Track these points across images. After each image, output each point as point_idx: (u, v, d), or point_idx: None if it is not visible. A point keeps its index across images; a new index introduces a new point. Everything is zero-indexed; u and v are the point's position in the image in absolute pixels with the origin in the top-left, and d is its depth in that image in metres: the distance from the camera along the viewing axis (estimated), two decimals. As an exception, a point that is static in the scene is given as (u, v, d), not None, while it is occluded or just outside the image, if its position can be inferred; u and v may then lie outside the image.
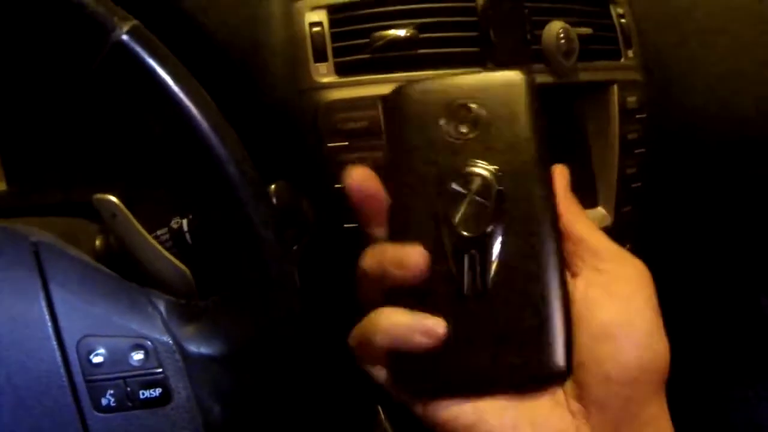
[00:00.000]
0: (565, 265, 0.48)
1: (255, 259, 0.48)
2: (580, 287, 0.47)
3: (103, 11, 0.46)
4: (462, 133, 0.49)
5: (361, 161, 0.71)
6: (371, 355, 0.49)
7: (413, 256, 0.47)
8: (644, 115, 0.87)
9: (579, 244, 0.47)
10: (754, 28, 0.92)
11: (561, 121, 0.85)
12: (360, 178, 0.50)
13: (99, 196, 0.55)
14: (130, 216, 0.54)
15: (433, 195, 0.49)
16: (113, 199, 0.54)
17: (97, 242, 0.63)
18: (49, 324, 0.45)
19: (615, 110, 0.84)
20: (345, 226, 0.73)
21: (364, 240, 0.51)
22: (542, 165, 0.49)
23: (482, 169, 0.48)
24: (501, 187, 0.48)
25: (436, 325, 0.47)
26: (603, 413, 0.44)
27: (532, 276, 0.47)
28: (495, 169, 0.48)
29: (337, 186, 0.72)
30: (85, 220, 0.67)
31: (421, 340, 0.46)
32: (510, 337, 0.47)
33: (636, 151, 0.86)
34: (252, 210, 0.47)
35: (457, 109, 0.50)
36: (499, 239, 0.48)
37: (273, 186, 0.60)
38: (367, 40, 0.73)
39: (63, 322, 0.45)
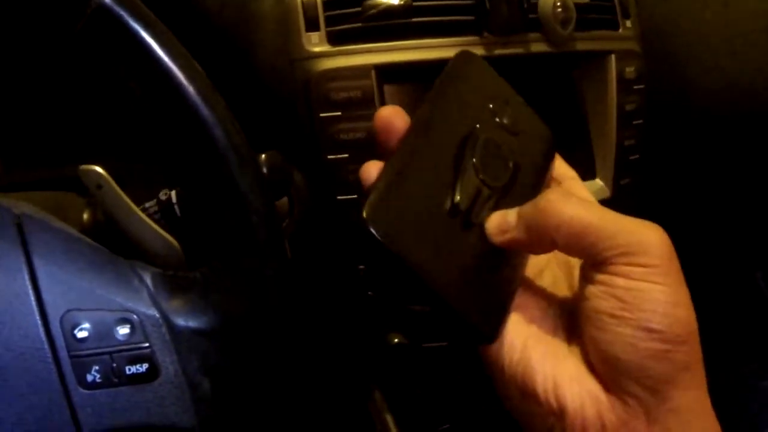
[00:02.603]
0: None
1: (244, 228, 0.47)
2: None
3: (84, -26, 0.45)
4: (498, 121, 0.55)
5: (353, 131, 0.70)
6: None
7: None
8: (642, 86, 0.86)
9: (593, 234, 0.45)
10: (753, 1, 0.91)
11: (558, 91, 0.83)
12: (389, 112, 0.51)
13: (84, 167, 0.53)
14: (116, 187, 0.53)
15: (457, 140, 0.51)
16: (99, 169, 0.53)
17: (85, 215, 0.61)
18: (33, 298, 0.44)
19: (613, 80, 0.83)
20: (338, 197, 0.72)
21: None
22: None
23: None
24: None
25: None
26: (629, 398, 0.43)
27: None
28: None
29: (329, 157, 0.71)
30: (74, 193, 0.66)
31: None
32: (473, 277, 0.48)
33: (634, 123, 0.85)
34: (239, 175, 0.46)
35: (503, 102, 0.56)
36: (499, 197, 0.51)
37: (263, 155, 0.59)
38: (359, 9, 0.71)
39: (46, 296, 0.44)
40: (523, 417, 0.48)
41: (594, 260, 0.45)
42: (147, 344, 0.45)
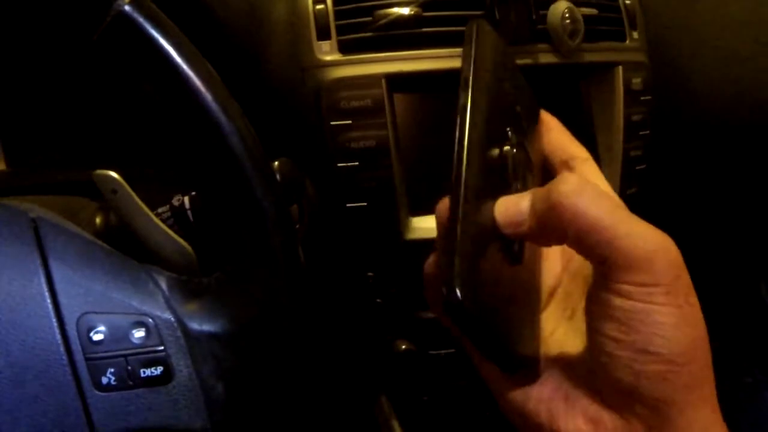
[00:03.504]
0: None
1: (258, 233, 0.48)
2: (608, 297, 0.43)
3: (105, -18, 0.46)
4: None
5: (363, 140, 0.71)
6: None
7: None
8: (649, 97, 0.86)
9: (600, 233, 0.42)
10: (759, 11, 0.91)
11: (566, 102, 0.84)
12: None
13: (99, 171, 0.54)
14: (131, 191, 0.54)
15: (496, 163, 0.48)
16: (114, 174, 0.54)
17: (98, 219, 0.62)
18: (49, 301, 0.44)
19: (620, 91, 0.83)
20: (347, 205, 0.73)
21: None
22: None
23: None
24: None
25: None
26: (632, 418, 0.42)
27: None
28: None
29: (340, 165, 0.71)
30: (86, 198, 0.66)
31: None
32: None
33: (641, 133, 0.85)
34: (255, 182, 0.47)
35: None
36: None
37: (276, 163, 0.60)
38: (370, 18, 0.72)
39: (63, 299, 0.45)
40: (524, 430, 0.47)
41: (598, 260, 0.42)
42: (162, 347, 0.46)
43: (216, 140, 0.46)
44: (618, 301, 0.41)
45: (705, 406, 0.42)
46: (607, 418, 0.43)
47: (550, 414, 0.45)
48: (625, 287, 0.41)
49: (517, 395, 0.46)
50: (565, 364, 0.47)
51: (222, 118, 0.46)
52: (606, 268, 0.42)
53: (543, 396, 0.46)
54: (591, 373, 0.44)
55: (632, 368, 0.41)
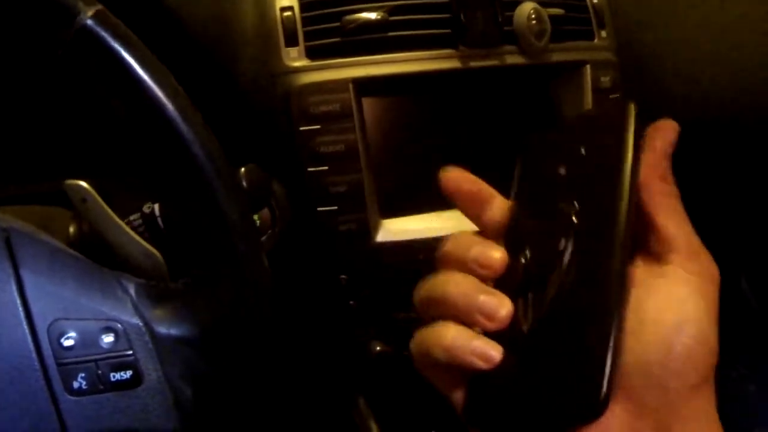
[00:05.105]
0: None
1: (222, 240, 0.48)
2: (640, 274, 0.45)
3: (68, -4, 0.46)
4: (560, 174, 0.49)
5: (333, 144, 0.72)
6: (428, 364, 0.48)
7: (495, 256, 0.47)
8: (618, 95, 0.87)
9: (657, 232, 0.46)
10: (727, 11, 0.92)
11: (536, 102, 0.85)
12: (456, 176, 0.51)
13: (70, 181, 0.55)
14: (100, 200, 0.54)
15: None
16: (83, 184, 0.55)
17: (71, 229, 0.63)
18: (21, 308, 0.45)
19: (588, 90, 0.84)
20: (318, 209, 0.73)
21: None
22: (623, 197, 0.46)
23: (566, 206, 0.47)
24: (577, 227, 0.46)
25: (492, 350, 0.45)
26: (642, 405, 0.43)
27: (587, 312, 0.44)
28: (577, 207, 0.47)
29: (310, 169, 0.72)
30: (61, 208, 0.67)
31: (475, 361, 0.45)
32: (558, 375, 0.44)
33: (610, 132, 0.86)
34: (218, 191, 0.47)
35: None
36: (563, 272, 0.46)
37: (243, 169, 0.61)
38: (338, 24, 0.73)
39: (34, 307, 0.46)
40: None
41: None
42: (131, 352, 0.47)
43: (178, 150, 0.47)
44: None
45: (710, 402, 0.44)
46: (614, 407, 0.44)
47: None
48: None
49: None
50: None
51: (184, 128, 0.46)
52: None
53: None
54: None
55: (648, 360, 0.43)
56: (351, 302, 0.77)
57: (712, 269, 0.46)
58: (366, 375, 0.83)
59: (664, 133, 0.50)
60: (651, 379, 0.43)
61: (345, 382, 0.85)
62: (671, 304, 0.44)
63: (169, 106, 0.46)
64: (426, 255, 0.74)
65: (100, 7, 0.47)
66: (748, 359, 1.21)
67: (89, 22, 0.46)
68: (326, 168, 0.73)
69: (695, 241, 0.46)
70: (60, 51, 0.46)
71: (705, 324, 0.43)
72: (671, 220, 0.46)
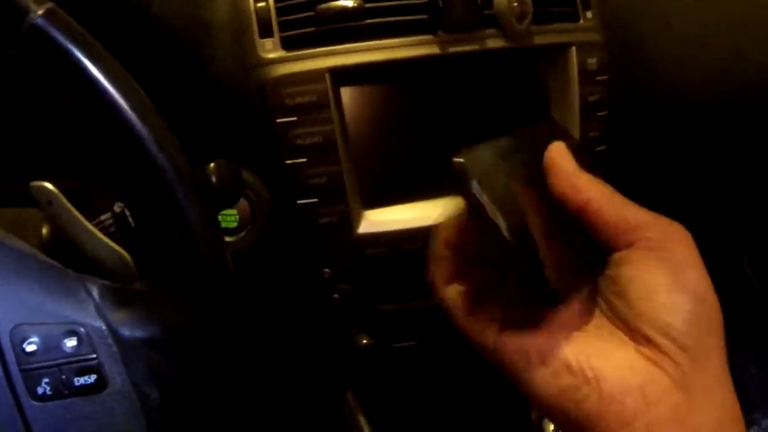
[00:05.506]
0: None
1: (184, 241, 0.48)
2: (633, 257, 0.47)
3: (18, -5, 0.45)
4: None
5: (310, 136, 0.71)
6: None
7: None
8: (606, 77, 0.85)
9: (618, 224, 0.48)
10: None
11: (520, 86, 0.84)
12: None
13: (35, 183, 0.54)
14: (66, 202, 0.54)
15: None
16: (48, 185, 0.54)
17: (44, 230, 0.62)
18: None
19: (574, 72, 0.83)
20: (298, 202, 0.73)
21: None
22: None
23: None
24: None
25: None
26: (671, 359, 0.45)
27: None
28: None
29: (288, 162, 0.71)
30: (34, 209, 0.66)
31: None
32: None
33: (598, 114, 0.85)
34: (176, 188, 0.47)
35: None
36: None
37: (212, 165, 0.60)
38: (312, 13, 0.72)
39: (-4, 312, 0.45)
40: (547, 391, 0.48)
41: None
42: (94, 355, 0.46)
43: (136, 151, 0.46)
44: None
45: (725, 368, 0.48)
46: (643, 367, 0.46)
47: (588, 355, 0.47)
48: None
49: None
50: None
51: (139, 126, 0.46)
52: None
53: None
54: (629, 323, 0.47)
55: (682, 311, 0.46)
56: (335, 296, 0.76)
57: (673, 230, 0.49)
58: (353, 369, 0.82)
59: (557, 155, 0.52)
60: (672, 336, 0.45)
61: (333, 376, 0.85)
62: (656, 287, 0.46)
63: (124, 105, 0.46)
64: (409, 245, 0.74)
65: (50, 5, 0.46)
66: (749, 342, 1.21)
67: (39, 21, 0.45)
68: (305, 160, 0.72)
69: (653, 214, 0.49)
70: (11, 51, 0.46)
71: (703, 282, 0.47)
72: (625, 208, 0.49)
